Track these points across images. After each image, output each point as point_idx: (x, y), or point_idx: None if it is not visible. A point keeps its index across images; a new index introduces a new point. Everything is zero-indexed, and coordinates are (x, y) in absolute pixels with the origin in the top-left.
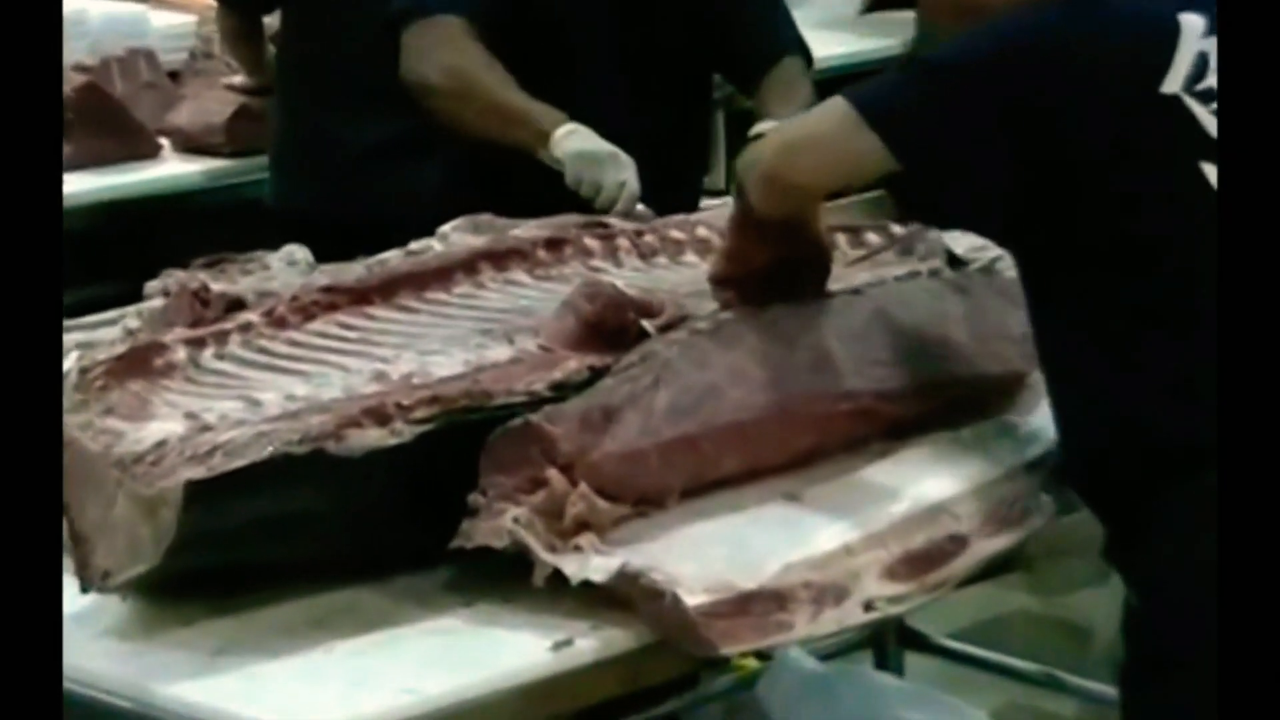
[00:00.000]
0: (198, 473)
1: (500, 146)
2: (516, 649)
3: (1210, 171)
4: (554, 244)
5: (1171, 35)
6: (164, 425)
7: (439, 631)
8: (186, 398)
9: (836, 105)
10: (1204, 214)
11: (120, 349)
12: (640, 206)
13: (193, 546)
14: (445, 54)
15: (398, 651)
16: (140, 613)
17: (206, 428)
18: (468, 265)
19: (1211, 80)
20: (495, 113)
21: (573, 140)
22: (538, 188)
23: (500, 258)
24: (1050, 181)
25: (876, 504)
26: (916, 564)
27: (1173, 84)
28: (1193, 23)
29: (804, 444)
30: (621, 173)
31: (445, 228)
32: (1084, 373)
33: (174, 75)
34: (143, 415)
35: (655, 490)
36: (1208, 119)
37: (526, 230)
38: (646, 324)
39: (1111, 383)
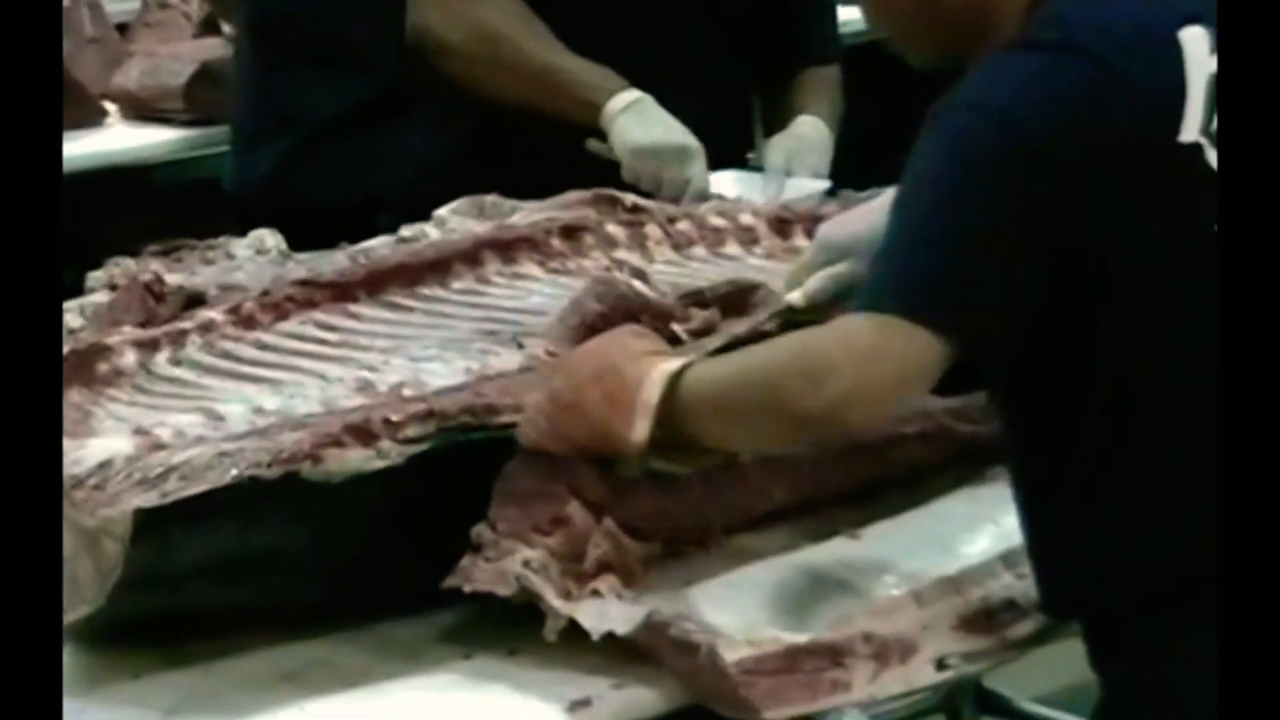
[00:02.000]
0: (148, 499)
1: (522, 112)
2: (524, 711)
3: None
4: (571, 231)
5: (1176, 56)
6: (109, 443)
7: (432, 688)
8: (136, 410)
9: (858, 322)
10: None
11: None
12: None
13: (142, 586)
14: (471, 6)
15: (382, 712)
16: (79, 664)
17: (159, 446)
18: (469, 256)
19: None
20: (534, 77)
21: (630, 119)
22: (559, 160)
23: (508, 247)
24: (1081, 279)
25: (951, 543)
26: (997, 615)
27: (1190, 129)
28: (1195, 40)
29: (866, 471)
30: (688, 166)
31: (443, 210)
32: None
33: (122, 28)
34: (84, 431)
35: (694, 526)
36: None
37: (539, 214)
38: (679, 329)
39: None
